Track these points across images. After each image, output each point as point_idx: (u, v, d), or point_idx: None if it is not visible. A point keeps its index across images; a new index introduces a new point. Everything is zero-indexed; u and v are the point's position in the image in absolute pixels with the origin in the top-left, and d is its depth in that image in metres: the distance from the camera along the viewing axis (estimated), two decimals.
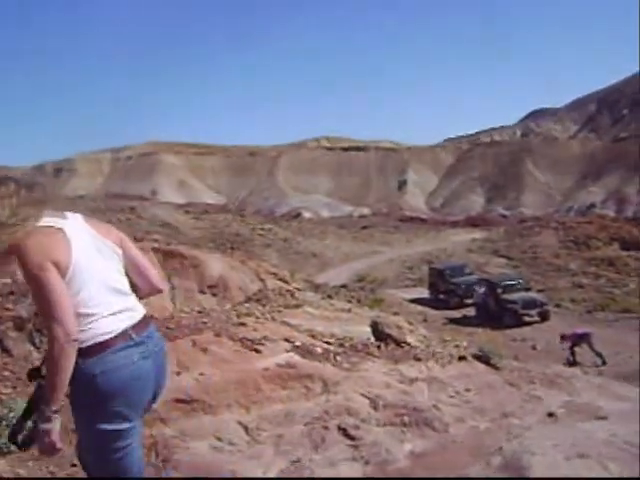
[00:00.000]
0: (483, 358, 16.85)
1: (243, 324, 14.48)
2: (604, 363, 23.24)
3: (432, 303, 38.92)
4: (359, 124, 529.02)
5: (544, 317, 32.07)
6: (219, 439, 11.65)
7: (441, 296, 39.51)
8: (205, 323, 14.55)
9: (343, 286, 41.93)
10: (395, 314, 22.15)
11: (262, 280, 18.18)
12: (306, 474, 10.86)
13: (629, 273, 46.31)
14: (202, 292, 16.58)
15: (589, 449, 11.78)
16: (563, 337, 24.48)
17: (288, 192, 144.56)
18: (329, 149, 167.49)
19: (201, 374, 12.71)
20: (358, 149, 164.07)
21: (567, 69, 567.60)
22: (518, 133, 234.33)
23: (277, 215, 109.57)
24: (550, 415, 14.04)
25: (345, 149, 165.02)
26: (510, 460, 11.21)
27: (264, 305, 16.42)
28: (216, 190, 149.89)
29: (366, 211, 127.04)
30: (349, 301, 24.89)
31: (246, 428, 12.02)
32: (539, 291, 37.42)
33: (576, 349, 24.10)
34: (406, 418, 12.79)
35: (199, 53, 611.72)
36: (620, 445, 12.04)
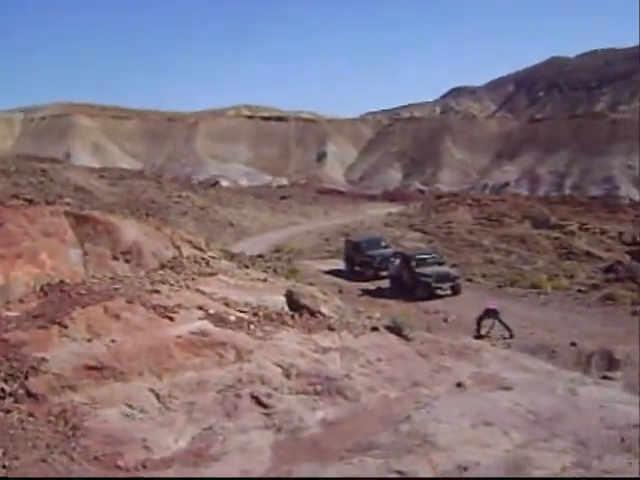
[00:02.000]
0: (395, 329, 17.19)
1: (157, 291, 14.35)
2: (512, 336, 23.91)
3: (348, 275, 39.17)
4: (280, 94, 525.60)
5: (456, 291, 32.71)
6: (130, 406, 11.57)
7: (357, 268, 39.76)
8: (117, 289, 14.36)
9: (260, 256, 41.83)
10: (310, 285, 22.26)
11: (177, 247, 17.97)
12: (218, 441, 10.93)
13: (539, 250, 47.64)
14: (115, 258, 16.30)
15: (493, 417, 12.24)
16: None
17: (206, 160, 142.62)
18: (249, 118, 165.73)
19: (112, 341, 12.56)
20: (278, 119, 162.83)
21: (487, 49, 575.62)
22: (438, 110, 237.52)
23: (195, 183, 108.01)
24: (458, 385, 14.48)
25: (265, 118, 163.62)
26: (417, 427, 11.57)
27: (178, 272, 16.28)
28: (133, 155, 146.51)
29: (285, 181, 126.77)
30: (265, 271, 24.90)
31: (158, 395, 11.97)
32: (452, 265, 37.98)
33: (486, 322, 24.69)
34: (319, 387, 12.99)
35: (116, 14, 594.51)
36: (523, 414, 12.55)
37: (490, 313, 24.59)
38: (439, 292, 32.46)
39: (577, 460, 9.84)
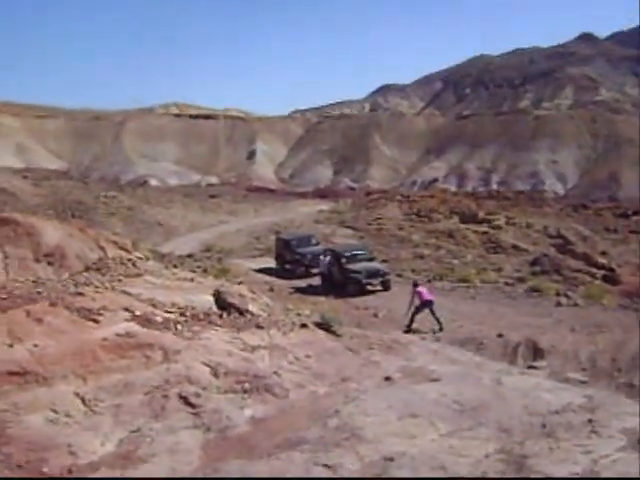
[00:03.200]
0: (324, 326, 17.29)
1: (81, 294, 14.07)
2: (441, 329, 24.23)
3: (279, 273, 39.19)
4: (209, 92, 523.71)
5: (386, 286, 33.03)
6: (55, 411, 11.32)
7: (287, 266, 39.84)
8: (40, 293, 14.03)
9: (189, 256, 41.48)
10: (240, 283, 22.17)
11: (102, 248, 17.66)
12: (146, 442, 10.81)
13: (467, 245, 48.52)
14: (37, 261, 15.93)
15: (420, 409, 12.44)
16: (415, 285, 25.41)
17: (134, 159, 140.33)
18: (177, 116, 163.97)
19: (35, 345, 12.27)
20: (207, 117, 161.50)
21: (415, 47, 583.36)
22: (367, 107, 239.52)
23: (122, 182, 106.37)
24: (387, 379, 14.65)
25: (194, 117, 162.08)
26: (345, 421, 11.68)
27: (104, 274, 16.00)
28: (58, 155, 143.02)
29: (214, 180, 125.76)
30: (193, 270, 24.68)
31: (83, 399, 11.76)
32: (382, 261, 38.36)
33: (417, 316, 24.93)
34: (247, 385, 12.97)
35: (37, 8, 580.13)
36: (449, 404, 12.79)
37: (427, 304, 24.79)
38: (369, 288, 32.69)
39: (500, 447, 10.09)
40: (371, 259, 34.83)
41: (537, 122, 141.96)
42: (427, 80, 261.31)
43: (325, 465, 9.42)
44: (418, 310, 24.69)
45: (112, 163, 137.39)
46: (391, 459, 9.56)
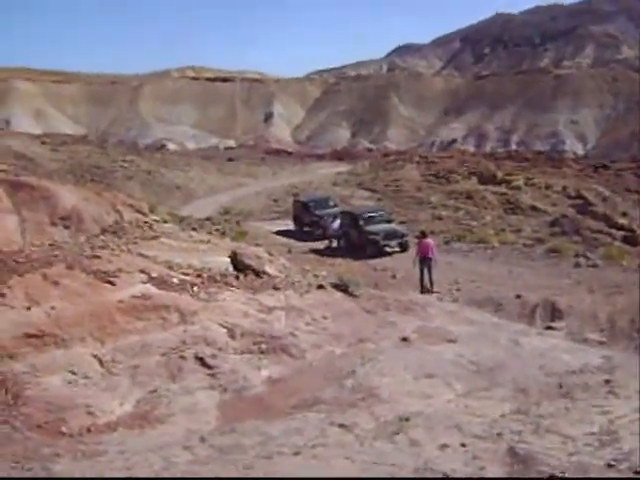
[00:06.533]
0: (341, 287, 17.26)
1: (97, 256, 14.10)
2: (430, 291, 23.87)
3: (297, 235, 39.18)
4: (225, 55, 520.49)
5: (404, 248, 32.93)
6: (72, 373, 11.42)
7: (306, 228, 39.87)
8: (57, 256, 14.07)
9: (208, 219, 41.45)
10: (257, 245, 22.15)
11: (118, 212, 17.66)
12: (163, 403, 10.89)
13: (486, 206, 48.09)
14: (54, 224, 15.95)
15: (436, 369, 12.43)
16: (424, 236, 25.24)
17: (151, 123, 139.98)
18: (194, 79, 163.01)
19: (52, 308, 12.34)
20: (224, 80, 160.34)
21: (433, 5, 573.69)
22: (384, 68, 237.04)
23: (140, 146, 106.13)
24: (403, 339, 14.63)
25: (210, 79, 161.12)
26: (361, 382, 11.70)
27: (120, 237, 16.03)
28: (75, 120, 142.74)
29: (232, 143, 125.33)
30: (209, 233, 24.60)
31: (101, 361, 11.85)
32: (400, 223, 38.19)
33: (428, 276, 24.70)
34: (263, 345, 13.00)
35: None
36: (465, 365, 12.77)
37: (425, 261, 24.58)
38: (387, 249, 32.63)
39: (516, 407, 10.06)
40: (389, 220, 34.74)
41: (557, 81, 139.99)
42: (445, 40, 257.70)
43: (341, 425, 9.44)
44: (422, 267, 24.44)
45: (129, 127, 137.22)
46: (407, 419, 9.56)
